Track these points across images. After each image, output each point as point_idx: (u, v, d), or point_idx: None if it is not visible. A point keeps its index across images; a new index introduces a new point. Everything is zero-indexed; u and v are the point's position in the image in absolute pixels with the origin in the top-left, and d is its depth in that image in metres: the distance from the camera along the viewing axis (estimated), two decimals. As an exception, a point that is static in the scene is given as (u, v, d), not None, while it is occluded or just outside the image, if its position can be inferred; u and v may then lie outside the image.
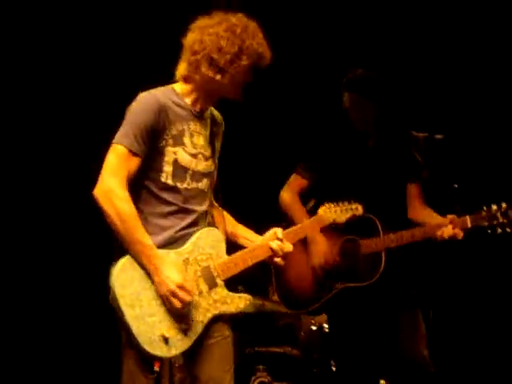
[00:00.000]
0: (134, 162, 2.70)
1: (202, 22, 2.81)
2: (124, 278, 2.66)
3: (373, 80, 3.64)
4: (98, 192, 2.65)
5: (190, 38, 2.79)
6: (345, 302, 3.57)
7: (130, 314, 2.63)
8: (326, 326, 4.51)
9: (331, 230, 3.53)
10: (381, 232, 3.50)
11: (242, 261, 2.89)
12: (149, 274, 2.68)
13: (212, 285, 2.82)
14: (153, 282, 2.68)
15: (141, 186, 2.76)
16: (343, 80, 3.71)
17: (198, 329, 2.77)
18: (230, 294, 2.87)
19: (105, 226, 2.67)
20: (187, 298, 2.68)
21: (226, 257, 2.88)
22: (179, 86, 2.85)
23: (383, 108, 3.64)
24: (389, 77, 3.81)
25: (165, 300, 2.68)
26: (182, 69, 2.84)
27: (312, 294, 3.61)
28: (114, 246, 2.71)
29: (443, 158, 3.77)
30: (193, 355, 2.82)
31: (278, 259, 2.95)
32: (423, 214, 3.63)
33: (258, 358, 4.44)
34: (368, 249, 3.52)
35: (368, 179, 3.64)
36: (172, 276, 2.66)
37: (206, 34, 2.75)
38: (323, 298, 3.57)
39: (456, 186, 3.54)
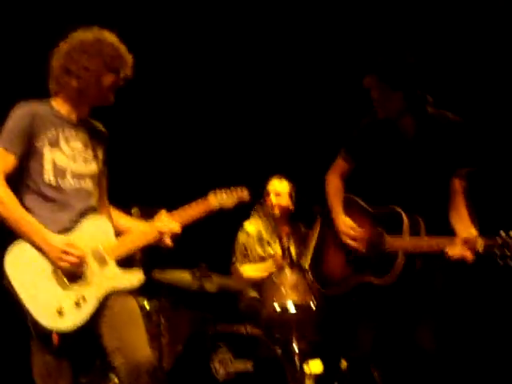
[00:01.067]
0: (10, 160, 2.98)
1: (60, 44, 3.14)
2: (15, 260, 2.88)
3: (397, 65, 3.29)
4: None
5: (53, 58, 3.13)
6: (365, 292, 3.46)
7: (23, 293, 2.83)
8: (289, 305, 4.50)
9: (364, 217, 3.49)
10: (405, 232, 3.30)
11: (130, 241, 3.13)
12: (39, 251, 2.90)
13: (102, 263, 3.01)
14: (43, 253, 2.89)
15: (25, 186, 3.04)
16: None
17: (93, 303, 2.93)
18: (122, 270, 3.06)
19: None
20: (78, 252, 2.90)
21: (114, 239, 3.10)
22: (54, 100, 3.16)
23: (411, 97, 3.32)
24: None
25: (57, 264, 2.88)
26: (51, 85, 3.16)
27: (340, 280, 3.56)
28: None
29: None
30: (98, 329, 2.95)
31: (166, 239, 3.18)
32: (455, 218, 3.30)
33: (220, 336, 4.43)
34: (389, 246, 3.34)
35: (405, 169, 3.42)
36: (58, 238, 2.90)
37: (62, 50, 3.11)
38: (349, 285, 3.50)
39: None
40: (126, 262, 3.12)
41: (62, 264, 2.89)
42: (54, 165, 3.03)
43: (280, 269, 4.62)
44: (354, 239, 3.49)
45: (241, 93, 5.74)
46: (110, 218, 3.22)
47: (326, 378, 4.40)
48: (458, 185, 3.36)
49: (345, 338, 3.87)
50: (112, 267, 3.04)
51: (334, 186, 3.65)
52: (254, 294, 4.86)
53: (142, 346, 2.92)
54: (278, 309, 4.53)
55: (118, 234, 3.19)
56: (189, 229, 3.46)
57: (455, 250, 3.10)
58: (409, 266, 3.29)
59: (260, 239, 5.08)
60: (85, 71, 3.05)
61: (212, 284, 4.63)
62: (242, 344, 4.42)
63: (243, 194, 3.49)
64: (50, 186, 3.01)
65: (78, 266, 2.92)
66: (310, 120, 5.78)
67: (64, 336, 2.88)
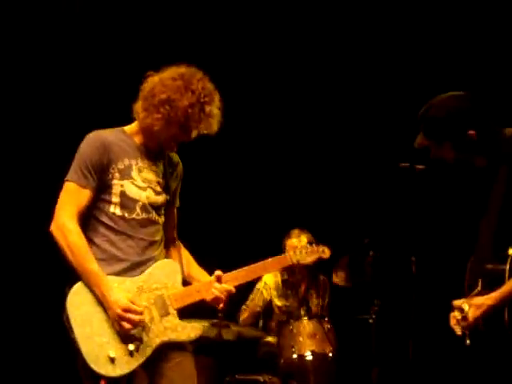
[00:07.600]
0: (85, 195, 2.93)
1: (160, 73, 3.02)
2: (77, 299, 2.86)
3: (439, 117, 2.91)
4: (53, 227, 2.91)
5: (147, 86, 3.01)
6: None
7: (79, 333, 2.81)
8: (307, 354, 4.50)
9: None
10: None
11: (195, 292, 3.02)
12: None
13: (164, 313, 2.95)
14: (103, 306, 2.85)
15: (91, 216, 2.96)
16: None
17: (147, 352, 2.88)
18: (182, 322, 2.98)
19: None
20: (134, 318, 2.83)
21: (181, 288, 3.02)
22: (129, 127, 3.09)
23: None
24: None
25: (115, 324, 2.83)
26: (137, 110, 3.04)
27: None
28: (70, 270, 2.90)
29: (424, 189, 3.71)
30: (153, 379, 2.93)
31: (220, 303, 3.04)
32: None
33: (238, 384, 4.45)
34: None
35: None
36: (118, 300, 2.83)
37: (160, 84, 2.97)
38: None
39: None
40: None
41: (123, 324, 2.82)
42: (123, 196, 2.97)
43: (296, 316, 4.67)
44: None
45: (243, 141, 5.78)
46: (179, 253, 3.14)
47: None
48: None
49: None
50: (173, 317, 2.96)
51: None
52: (272, 342, 4.88)
53: None
54: (296, 357, 4.55)
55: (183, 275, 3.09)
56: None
57: None
58: None
59: (277, 290, 5.13)
60: (177, 115, 2.94)
61: (230, 332, 4.67)
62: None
63: (325, 253, 3.32)
64: (116, 217, 2.96)
65: (136, 326, 2.86)
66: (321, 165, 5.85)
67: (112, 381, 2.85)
